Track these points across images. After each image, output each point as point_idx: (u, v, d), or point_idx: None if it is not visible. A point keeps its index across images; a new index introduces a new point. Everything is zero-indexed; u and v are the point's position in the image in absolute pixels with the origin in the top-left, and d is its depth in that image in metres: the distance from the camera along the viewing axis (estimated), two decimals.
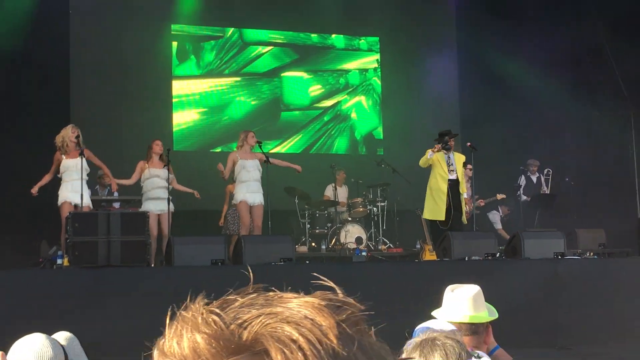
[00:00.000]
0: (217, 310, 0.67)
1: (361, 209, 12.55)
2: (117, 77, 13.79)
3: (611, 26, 13.36)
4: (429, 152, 10.95)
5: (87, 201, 9.64)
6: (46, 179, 9.79)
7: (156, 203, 10.24)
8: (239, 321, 0.65)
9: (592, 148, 13.96)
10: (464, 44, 15.82)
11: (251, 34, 15.30)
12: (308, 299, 0.67)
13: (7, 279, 7.95)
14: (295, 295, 0.68)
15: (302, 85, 15.59)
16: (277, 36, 15.50)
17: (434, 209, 10.92)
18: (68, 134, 9.72)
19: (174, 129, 14.49)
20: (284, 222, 12.14)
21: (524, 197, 13.24)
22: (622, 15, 13.14)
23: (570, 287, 9.07)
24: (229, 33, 15.19)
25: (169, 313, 0.70)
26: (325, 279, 0.78)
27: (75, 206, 9.48)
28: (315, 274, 0.74)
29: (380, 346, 0.69)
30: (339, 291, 0.71)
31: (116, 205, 11.12)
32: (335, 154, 15.24)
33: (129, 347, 6.53)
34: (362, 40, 16.08)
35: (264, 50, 15.39)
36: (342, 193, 13.11)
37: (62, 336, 2.97)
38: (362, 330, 0.68)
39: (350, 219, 12.39)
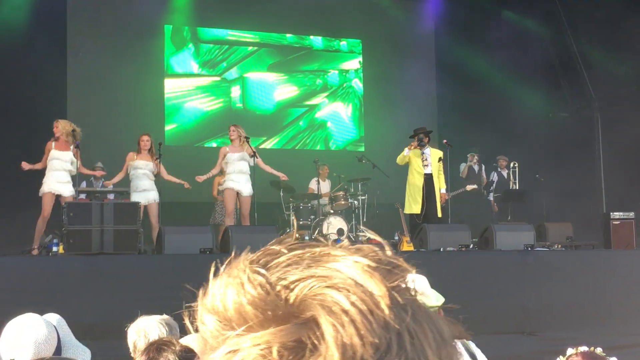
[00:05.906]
0: (262, 271, 0.60)
1: (343, 202, 12.49)
2: (112, 76, 13.70)
3: (579, 31, 13.40)
4: (405, 150, 11.01)
5: (70, 192, 9.56)
6: (37, 166, 9.72)
7: (142, 194, 10.14)
8: (285, 282, 0.59)
9: (561, 146, 13.99)
10: (442, 47, 15.81)
11: (237, 35, 15.24)
12: (357, 258, 0.60)
13: (3, 266, 7.86)
14: (343, 253, 0.61)
15: (285, 85, 15.54)
16: (258, 37, 15.44)
17: (412, 202, 10.99)
18: (67, 127, 9.69)
19: (166, 126, 14.41)
20: (269, 214, 12.08)
21: (494, 194, 13.27)
22: (589, 20, 13.19)
23: (538, 277, 9.07)
24: (216, 34, 15.14)
25: (212, 268, 0.64)
26: (372, 232, 0.72)
27: (58, 196, 9.41)
28: (362, 227, 0.66)
29: (432, 311, 0.62)
30: (387, 248, 0.64)
31: (110, 196, 11.03)
32: (319, 150, 15.20)
33: (120, 330, 6.47)
34: (344, 42, 16.03)
35: (250, 50, 15.35)
36: (325, 187, 13.06)
37: (52, 317, 2.96)
38: (414, 297, 0.61)
39: (332, 211, 12.32)
